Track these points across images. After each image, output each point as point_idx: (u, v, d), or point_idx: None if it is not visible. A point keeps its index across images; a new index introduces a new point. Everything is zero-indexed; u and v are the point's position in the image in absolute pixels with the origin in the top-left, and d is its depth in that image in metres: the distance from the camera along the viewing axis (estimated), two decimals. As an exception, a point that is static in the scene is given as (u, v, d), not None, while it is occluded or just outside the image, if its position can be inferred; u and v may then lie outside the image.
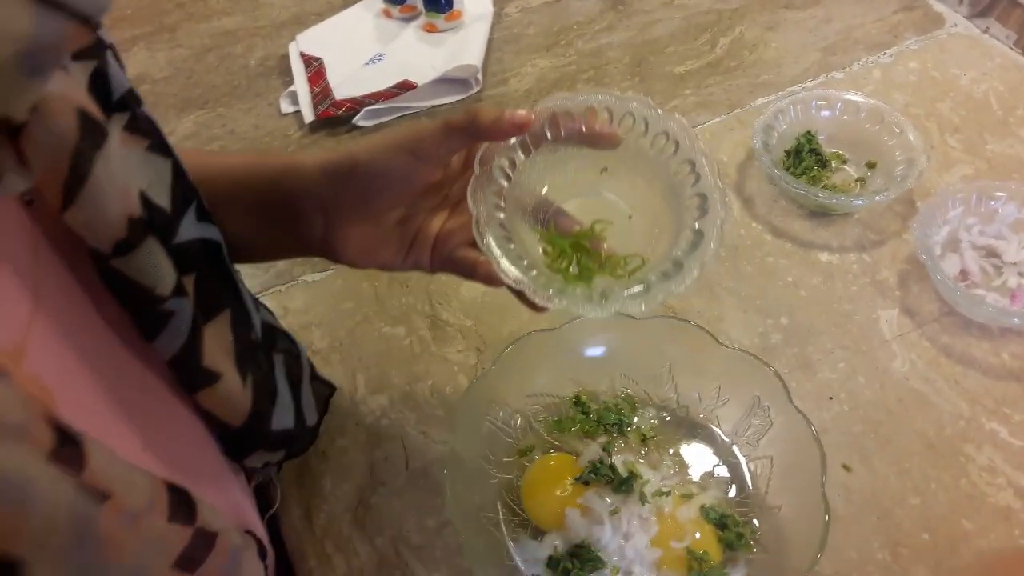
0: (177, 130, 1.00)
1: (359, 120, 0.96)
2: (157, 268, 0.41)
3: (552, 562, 0.58)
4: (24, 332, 0.35)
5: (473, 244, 0.52)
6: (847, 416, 0.69)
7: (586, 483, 0.62)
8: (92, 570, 0.31)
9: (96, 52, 0.40)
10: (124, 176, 0.39)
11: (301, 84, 1.01)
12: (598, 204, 0.55)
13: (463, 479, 0.60)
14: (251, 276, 0.82)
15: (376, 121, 0.97)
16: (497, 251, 0.49)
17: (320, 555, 0.64)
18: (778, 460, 0.62)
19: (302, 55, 1.04)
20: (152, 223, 0.41)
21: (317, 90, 0.99)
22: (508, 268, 0.49)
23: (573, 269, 0.53)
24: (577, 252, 0.53)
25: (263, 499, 0.66)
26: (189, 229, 0.46)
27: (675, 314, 0.76)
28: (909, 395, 0.71)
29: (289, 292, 0.82)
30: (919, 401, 0.70)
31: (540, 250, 0.53)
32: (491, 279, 0.52)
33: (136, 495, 0.35)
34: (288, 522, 0.66)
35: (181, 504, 0.39)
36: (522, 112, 0.48)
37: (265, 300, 0.81)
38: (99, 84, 0.40)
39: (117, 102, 0.41)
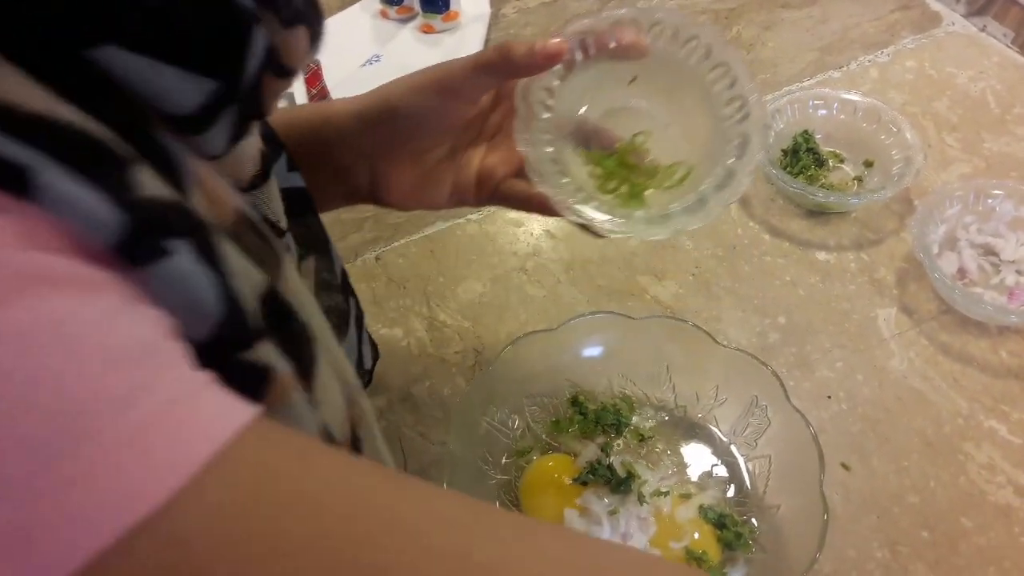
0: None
1: (356, 121, 0.96)
2: (277, 203, 0.42)
3: (551, 563, 0.58)
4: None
5: (518, 175, 0.53)
6: (845, 415, 0.69)
7: (584, 484, 0.62)
8: None
9: None
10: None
11: (298, 85, 1.01)
12: (634, 115, 0.54)
13: (461, 480, 0.60)
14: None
15: (373, 122, 0.97)
16: (552, 189, 0.49)
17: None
18: (776, 459, 0.62)
19: (299, 57, 1.04)
20: (270, 157, 0.42)
21: (314, 91, 0.99)
22: (567, 204, 0.49)
23: (624, 189, 0.52)
24: (624, 170, 0.53)
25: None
26: (281, 178, 0.46)
27: (672, 314, 0.76)
28: (907, 393, 0.71)
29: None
30: (917, 399, 0.70)
31: (587, 174, 0.53)
32: (547, 209, 0.52)
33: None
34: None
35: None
36: (554, 41, 0.47)
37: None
38: None
39: None
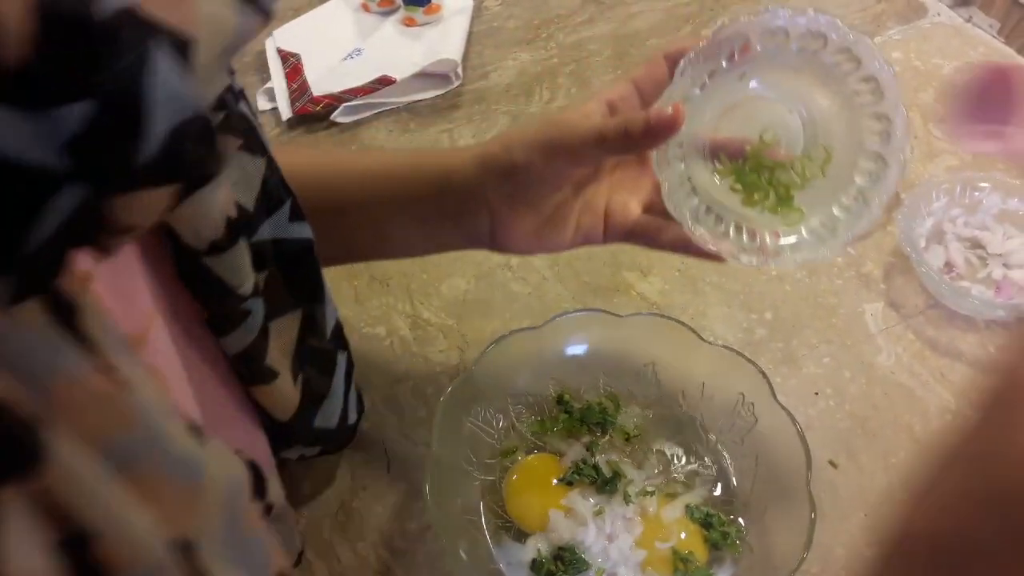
0: (152, 128, 0.98)
1: (337, 116, 0.94)
2: (242, 269, 0.41)
3: (536, 565, 0.57)
4: (148, 322, 0.35)
5: (647, 207, 0.54)
6: (833, 411, 0.69)
7: (569, 484, 0.61)
8: (240, 544, 0.32)
9: None
10: (224, 176, 0.39)
11: (278, 80, 0.99)
12: (751, 107, 0.51)
13: (445, 481, 0.59)
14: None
15: (355, 117, 0.95)
16: (700, 230, 0.48)
17: (301, 562, 0.63)
18: (763, 458, 0.61)
19: (279, 51, 1.02)
20: (239, 222, 0.41)
21: (294, 86, 0.98)
22: (720, 245, 0.48)
23: (771, 199, 0.50)
24: (764, 174, 0.50)
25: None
26: (268, 228, 0.46)
27: (658, 310, 0.75)
28: (895, 389, 0.70)
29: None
30: (905, 395, 0.70)
31: (727, 189, 0.51)
32: (686, 247, 0.51)
33: (236, 476, 0.36)
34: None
35: (258, 481, 0.40)
36: (668, 112, 0.45)
37: (243, 301, 0.80)
38: None
39: (216, 101, 0.41)
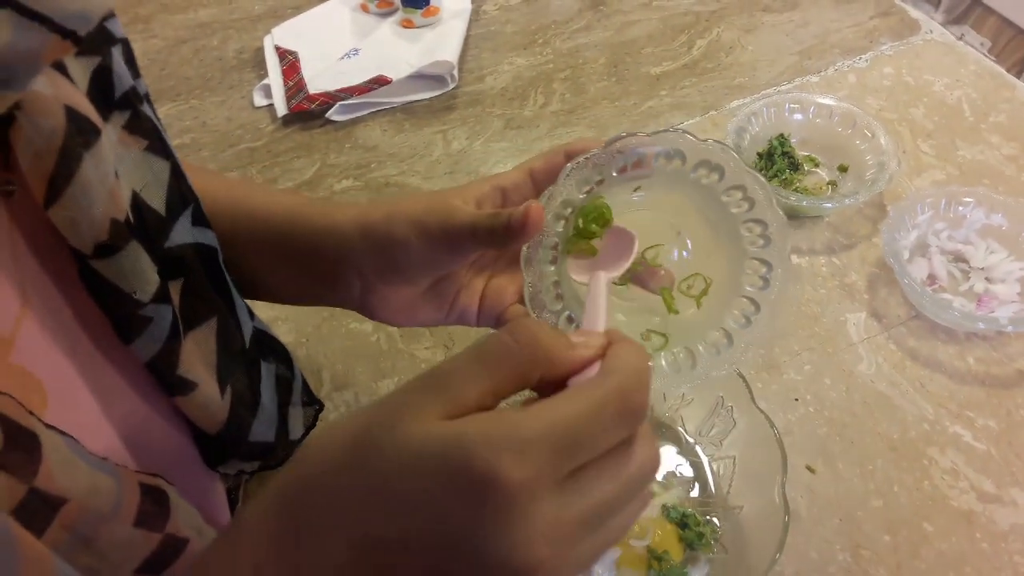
0: (149, 121, 0.99)
1: (332, 114, 0.95)
2: (138, 273, 0.40)
3: (512, 560, 0.58)
4: (13, 325, 0.34)
5: (522, 298, 0.50)
6: (812, 417, 0.70)
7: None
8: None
9: (101, 48, 0.40)
10: (111, 177, 0.38)
11: (275, 77, 1.00)
12: (641, 222, 0.50)
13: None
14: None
15: (350, 116, 0.96)
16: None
17: None
18: (740, 460, 0.62)
19: (277, 48, 1.03)
20: (142, 226, 0.41)
21: (291, 83, 0.99)
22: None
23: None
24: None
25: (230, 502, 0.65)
26: (183, 233, 0.45)
27: (643, 314, 0.76)
28: (874, 398, 0.71)
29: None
30: (884, 404, 0.70)
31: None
32: None
33: (100, 499, 0.34)
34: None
35: (155, 507, 0.38)
36: (525, 212, 0.45)
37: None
38: (101, 81, 0.40)
39: (119, 100, 0.41)
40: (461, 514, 0.28)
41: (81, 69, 0.38)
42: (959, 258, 0.79)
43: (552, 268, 0.48)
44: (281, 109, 0.96)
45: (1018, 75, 0.99)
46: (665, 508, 0.61)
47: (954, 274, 0.78)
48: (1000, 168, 0.89)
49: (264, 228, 0.54)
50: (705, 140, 0.46)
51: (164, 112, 1.00)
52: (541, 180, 0.50)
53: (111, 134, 0.40)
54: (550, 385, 0.33)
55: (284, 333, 0.77)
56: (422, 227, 0.49)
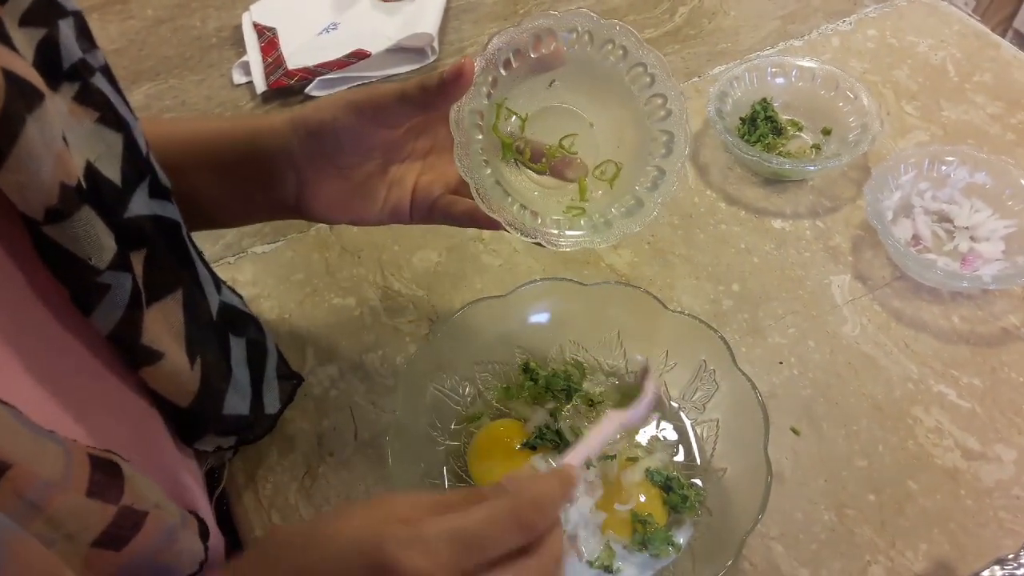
0: (129, 102, 0.98)
1: (311, 90, 0.94)
2: (93, 239, 0.40)
3: (496, 527, 0.58)
4: None
5: (455, 191, 0.56)
6: (796, 380, 0.69)
7: (532, 448, 0.62)
8: None
9: (47, 20, 0.40)
10: (59, 142, 0.38)
11: (254, 54, 0.99)
12: (558, 117, 0.56)
13: (408, 446, 0.60)
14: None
15: (329, 91, 0.95)
16: (501, 214, 0.50)
17: (265, 525, 0.63)
18: (724, 423, 0.62)
19: (255, 25, 1.02)
20: (98, 195, 0.41)
21: (270, 60, 0.98)
22: (516, 227, 0.51)
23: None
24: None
25: (214, 481, 0.65)
26: (141, 204, 0.45)
27: (627, 282, 0.76)
28: (859, 359, 0.71)
29: (238, 264, 0.80)
30: (868, 365, 0.70)
31: (527, 185, 0.55)
32: (490, 223, 0.52)
33: (46, 465, 0.34)
34: (234, 492, 0.65)
35: (107, 479, 0.38)
36: (458, 65, 0.48)
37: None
38: (46, 52, 0.40)
39: (68, 71, 0.41)
40: None
41: (26, 40, 0.38)
42: (943, 218, 0.79)
43: (488, 171, 0.51)
44: (260, 86, 0.95)
45: (1003, 34, 0.98)
46: (649, 472, 0.61)
47: (938, 234, 0.78)
48: (985, 128, 0.88)
49: (198, 148, 0.56)
50: (609, 21, 0.52)
51: (144, 92, 1.00)
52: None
53: (60, 105, 0.40)
54: None
55: (267, 310, 0.77)
56: (350, 103, 0.52)
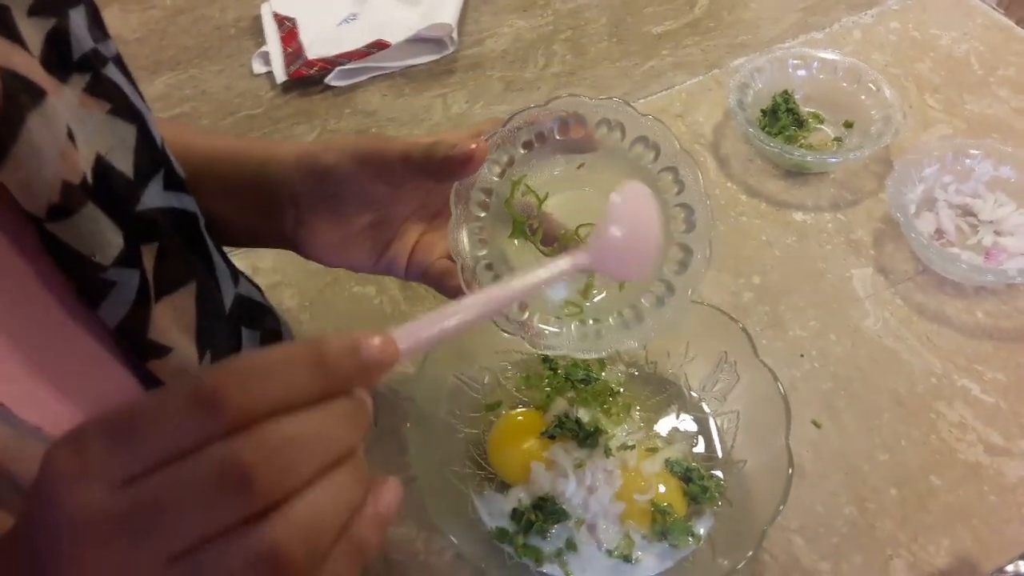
0: (148, 92, 0.96)
1: (331, 80, 0.95)
2: (97, 236, 0.40)
3: (516, 515, 0.58)
4: None
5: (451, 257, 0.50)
6: (817, 373, 0.69)
7: (552, 437, 0.61)
8: None
9: (57, 10, 0.39)
10: (63, 138, 0.38)
11: (273, 44, 0.99)
12: (581, 199, 0.52)
13: (429, 434, 0.60)
14: (220, 236, 0.81)
15: (349, 81, 0.95)
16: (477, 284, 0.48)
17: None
18: (744, 415, 0.62)
19: (275, 15, 1.02)
20: (108, 189, 0.40)
21: (289, 50, 0.98)
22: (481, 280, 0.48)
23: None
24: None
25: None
26: (155, 197, 0.45)
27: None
28: (881, 353, 0.70)
29: (259, 252, 0.81)
30: (890, 359, 0.70)
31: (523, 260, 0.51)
32: (458, 293, 0.51)
33: (25, 462, 0.34)
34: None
35: None
36: (471, 146, 0.46)
37: (235, 260, 0.80)
38: (56, 42, 0.39)
39: (78, 61, 0.40)
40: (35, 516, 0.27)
41: (35, 30, 0.38)
42: (967, 212, 0.78)
43: (484, 252, 0.48)
44: (280, 76, 0.96)
45: (1028, 27, 0.97)
46: (669, 463, 0.60)
47: (962, 228, 0.77)
48: (1009, 122, 0.87)
49: (210, 165, 0.55)
50: (645, 115, 0.48)
51: (164, 82, 1.00)
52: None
53: (70, 97, 0.40)
54: None
55: (287, 298, 0.77)
56: (355, 152, 0.50)
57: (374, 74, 0.96)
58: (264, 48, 1.00)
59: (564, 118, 0.48)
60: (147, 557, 0.24)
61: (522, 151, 0.49)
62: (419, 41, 0.97)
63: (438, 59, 0.98)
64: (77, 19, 0.41)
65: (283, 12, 1.02)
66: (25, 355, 0.38)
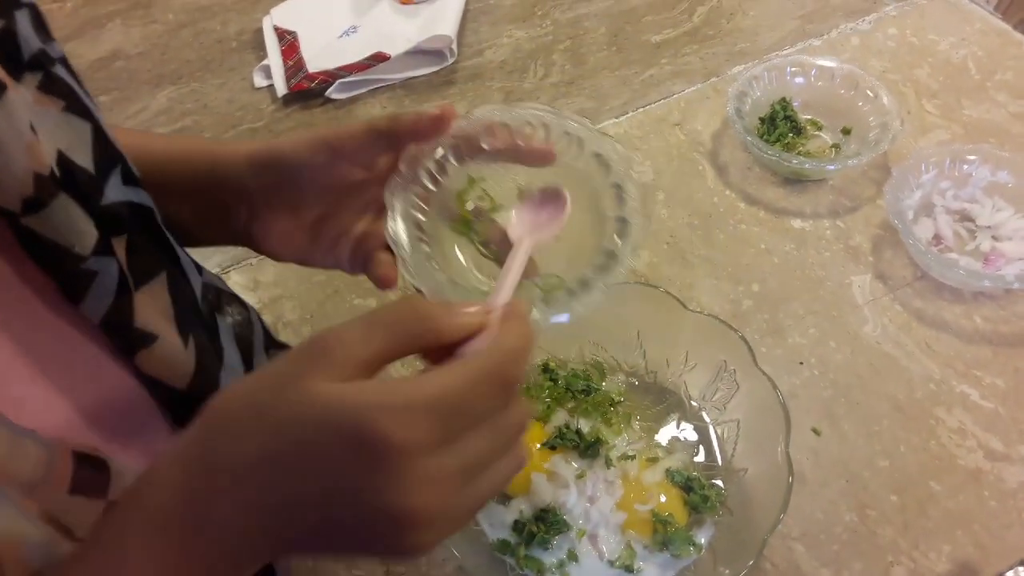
0: (151, 105, 0.99)
1: (332, 92, 0.95)
2: (73, 226, 0.40)
3: (518, 526, 0.58)
4: None
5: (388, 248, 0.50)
6: (817, 380, 0.69)
7: (553, 448, 0.62)
8: None
9: (3, 12, 0.40)
10: (27, 132, 0.38)
11: (274, 57, 1.00)
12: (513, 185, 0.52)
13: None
14: (223, 250, 0.82)
15: (349, 93, 0.96)
16: (405, 246, 0.47)
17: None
18: (744, 423, 0.62)
19: (276, 28, 1.03)
20: (73, 183, 0.41)
21: (290, 63, 0.98)
22: (409, 264, 0.47)
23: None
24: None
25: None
26: (116, 191, 0.45)
27: (645, 281, 0.76)
28: (880, 359, 0.71)
29: (260, 265, 0.81)
30: (889, 365, 0.70)
31: (461, 258, 0.51)
32: (386, 281, 0.51)
33: (24, 464, 0.35)
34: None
35: (92, 475, 0.38)
36: (439, 108, 0.47)
37: (236, 274, 0.81)
38: (6, 43, 0.40)
39: (29, 61, 0.41)
40: (355, 472, 0.32)
41: None
42: (965, 217, 0.78)
43: (422, 218, 0.48)
44: (281, 89, 0.96)
45: (1025, 32, 0.97)
46: (669, 472, 0.61)
47: (960, 233, 0.78)
48: (1007, 126, 0.87)
49: (165, 166, 0.55)
50: (602, 134, 0.49)
51: (166, 95, 1.01)
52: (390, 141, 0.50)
53: (26, 94, 0.40)
54: (439, 352, 0.37)
55: (288, 311, 0.77)
56: (312, 140, 0.50)
57: (375, 86, 0.97)
58: (265, 61, 1.00)
59: (529, 123, 0.49)
60: (471, 489, 0.34)
61: (485, 146, 0.49)
62: (419, 53, 0.98)
63: (438, 70, 0.99)
64: (23, 20, 0.41)
65: (284, 25, 1.03)
66: (17, 356, 0.39)
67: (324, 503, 0.33)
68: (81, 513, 0.37)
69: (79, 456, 0.38)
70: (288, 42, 1.01)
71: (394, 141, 0.49)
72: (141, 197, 0.48)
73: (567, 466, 0.60)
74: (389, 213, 0.48)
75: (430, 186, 0.49)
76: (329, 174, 0.51)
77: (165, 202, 0.53)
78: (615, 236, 0.49)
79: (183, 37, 1.09)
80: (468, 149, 0.49)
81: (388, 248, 0.51)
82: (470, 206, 0.51)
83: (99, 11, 1.12)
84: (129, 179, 0.47)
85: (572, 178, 0.50)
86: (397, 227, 0.48)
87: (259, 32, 1.06)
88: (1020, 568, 0.57)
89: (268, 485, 0.33)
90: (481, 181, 0.51)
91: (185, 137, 0.57)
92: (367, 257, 0.54)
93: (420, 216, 0.49)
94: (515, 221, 0.49)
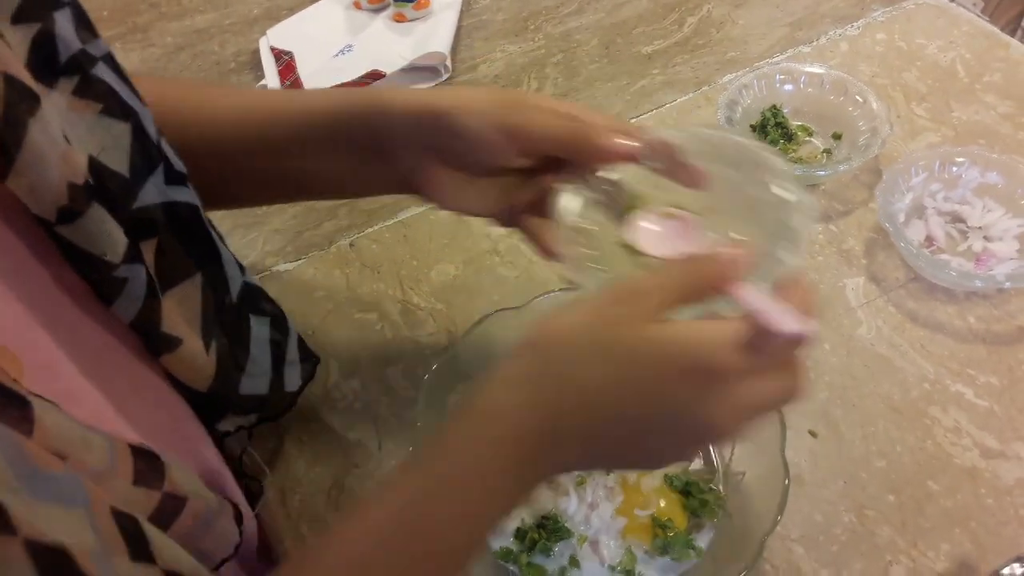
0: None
1: (329, 111, 0.97)
2: (105, 235, 0.41)
3: (519, 534, 0.59)
4: None
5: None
6: (813, 383, 0.70)
7: (552, 457, 0.63)
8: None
9: (41, 14, 0.40)
10: (61, 142, 0.38)
11: (271, 78, 1.01)
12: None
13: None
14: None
15: (346, 111, 0.97)
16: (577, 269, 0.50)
17: (295, 536, 0.65)
18: (741, 427, 0.63)
19: (272, 49, 1.05)
20: (103, 189, 0.41)
21: (287, 83, 1.00)
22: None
23: None
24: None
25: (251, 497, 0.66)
26: (153, 193, 0.45)
27: (642, 289, 0.77)
28: (875, 360, 0.71)
29: (262, 282, 0.81)
30: (885, 366, 0.71)
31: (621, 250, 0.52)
32: (547, 252, 0.54)
33: (94, 456, 0.36)
34: (263, 505, 0.67)
35: (149, 467, 0.39)
36: (633, 144, 0.48)
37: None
38: (42, 47, 0.40)
39: (65, 65, 0.41)
40: (687, 394, 0.40)
41: (20, 37, 0.39)
42: (956, 218, 0.79)
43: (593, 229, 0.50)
44: (279, 108, 0.98)
45: (1012, 33, 0.99)
46: (668, 478, 0.61)
47: (952, 235, 0.79)
48: (996, 127, 0.88)
49: (313, 124, 0.55)
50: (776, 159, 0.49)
51: (165, 118, 1.02)
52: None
53: (59, 101, 0.40)
54: None
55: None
56: (502, 125, 0.50)
57: (370, 103, 0.98)
58: (263, 82, 1.02)
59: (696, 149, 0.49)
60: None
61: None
62: (414, 70, 0.99)
63: (432, 86, 1.00)
64: (62, 21, 0.41)
65: (280, 46, 1.05)
66: (69, 359, 0.40)
67: (664, 422, 0.41)
68: (142, 504, 0.38)
69: (135, 449, 0.39)
70: (285, 62, 1.03)
71: (573, 157, 0.50)
72: (185, 196, 0.48)
73: (566, 473, 0.61)
74: (560, 209, 0.50)
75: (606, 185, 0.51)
76: (500, 156, 0.51)
77: (318, 160, 0.55)
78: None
79: (181, 60, 1.10)
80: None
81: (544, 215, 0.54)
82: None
83: (98, 36, 1.14)
84: (172, 178, 0.47)
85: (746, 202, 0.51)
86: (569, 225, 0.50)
87: (256, 53, 1.08)
88: (1016, 564, 0.57)
89: (614, 403, 0.40)
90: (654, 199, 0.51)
91: (330, 91, 0.59)
92: (521, 217, 0.56)
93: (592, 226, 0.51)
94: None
